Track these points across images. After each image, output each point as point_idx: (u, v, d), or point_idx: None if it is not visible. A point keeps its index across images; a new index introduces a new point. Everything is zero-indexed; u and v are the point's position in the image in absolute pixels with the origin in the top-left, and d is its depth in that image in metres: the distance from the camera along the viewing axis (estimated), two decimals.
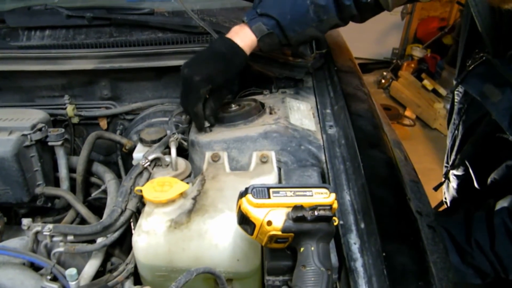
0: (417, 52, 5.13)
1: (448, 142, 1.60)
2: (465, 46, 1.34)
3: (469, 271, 1.25)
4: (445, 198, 1.79)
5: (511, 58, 1.13)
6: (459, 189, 1.63)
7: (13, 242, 1.15)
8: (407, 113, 4.65)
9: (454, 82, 1.38)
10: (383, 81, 5.21)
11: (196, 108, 1.17)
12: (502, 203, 1.24)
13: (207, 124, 1.21)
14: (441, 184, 1.72)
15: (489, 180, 1.39)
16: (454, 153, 1.57)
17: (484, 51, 1.22)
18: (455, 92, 1.47)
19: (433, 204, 1.77)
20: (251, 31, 1.21)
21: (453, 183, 1.64)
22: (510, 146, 1.22)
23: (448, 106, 4.30)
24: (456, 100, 1.49)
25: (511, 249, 1.19)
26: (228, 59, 1.19)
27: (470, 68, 1.25)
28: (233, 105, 1.29)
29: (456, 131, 1.52)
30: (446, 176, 1.66)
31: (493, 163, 1.36)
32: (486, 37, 1.16)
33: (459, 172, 1.57)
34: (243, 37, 1.21)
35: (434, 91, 4.63)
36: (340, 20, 1.27)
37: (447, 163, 1.64)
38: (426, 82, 4.70)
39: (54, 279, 1.02)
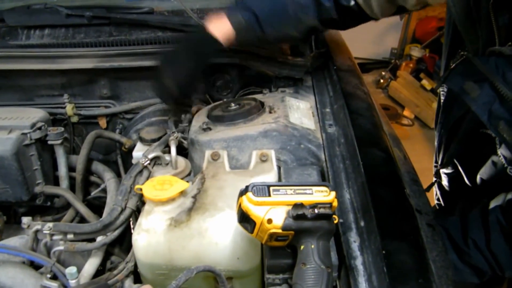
0: (416, 52, 5.13)
1: (436, 141, 1.61)
2: (449, 47, 1.36)
3: (466, 270, 1.26)
4: (437, 200, 1.79)
5: (489, 56, 1.14)
6: (450, 186, 1.64)
7: (13, 241, 1.15)
8: (406, 113, 4.66)
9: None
10: (381, 81, 5.21)
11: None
12: (495, 202, 1.25)
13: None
14: (432, 184, 1.73)
15: (478, 179, 1.40)
16: (442, 152, 1.58)
17: (465, 50, 1.23)
18: (441, 92, 1.49)
19: (432, 203, 1.77)
20: (229, 21, 1.23)
21: (444, 181, 1.65)
22: (493, 141, 1.23)
23: None
24: (442, 100, 1.51)
25: (506, 246, 1.19)
26: (199, 51, 1.25)
27: (452, 66, 1.26)
28: (233, 104, 1.29)
29: (442, 130, 1.53)
30: (437, 175, 1.67)
31: (480, 159, 1.37)
32: (465, 36, 1.18)
33: (448, 170, 1.58)
34: (220, 27, 1.23)
35: (433, 90, 4.63)
36: (319, 22, 1.27)
37: (436, 162, 1.64)
38: (424, 81, 4.70)
39: (54, 277, 1.02)
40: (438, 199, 1.78)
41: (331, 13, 1.24)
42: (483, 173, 1.38)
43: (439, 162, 1.61)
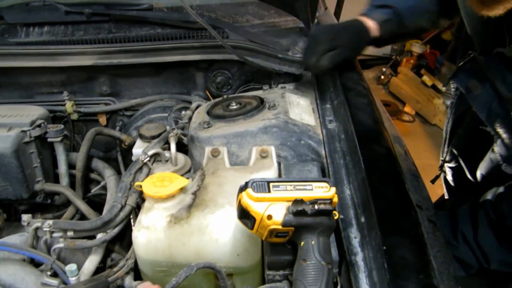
0: (417, 48, 5.11)
1: (443, 135, 1.65)
2: (463, 47, 1.42)
3: (453, 264, 1.28)
4: (446, 194, 1.82)
5: (495, 56, 1.19)
6: (454, 180, 1.67)
7: (13, 238, 1.14)
8: (407, 109, 4.65)
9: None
10: (382, 77, 5.20)
11: (312, 61, 1.26)
12: (486, 196, 1.29)
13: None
14: (437, 177, 1.77)
15: (478, 174, 1.41)
16: (446, 145, 1.62)
17: (474, 50, 1.30)
18: (452, 88, 1.54)
19: (434, 199, 1.78)
20: (370, 19, 1.33)
21: (449, 175, 1.68)
22: (491, 138, 1.28)
23: (447, 102, 4.33)
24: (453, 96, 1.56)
25: (493, 240, 1.23)
26: (355, 31, 1.32)
27: (460, 64, 1.34)
28: (233, 103, 1.28)
29: (448, 124, 1.59)
30: (441, 168, 1.70)
31: (479, 155, 1.42)
32: (474, 36, 1.24)
33: (452, 164, 1.62)
34: (366, 22, 1.33)
35: (434, 87, 4.62)
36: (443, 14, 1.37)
37: (442, 156, 1.67)
38: (425, 78, 4.69)
39: (54, 275, 1.02)
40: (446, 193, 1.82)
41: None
42: (482, 169, 1.42)
43: (444, 156, 1.65)
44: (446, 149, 1.63)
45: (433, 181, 1.77)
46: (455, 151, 1.58)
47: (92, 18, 1.58)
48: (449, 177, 1.68)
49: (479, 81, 1.25)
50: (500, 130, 1.19)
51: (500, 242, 1.23)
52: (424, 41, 5.22)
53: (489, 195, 1.29)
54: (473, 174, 1.49)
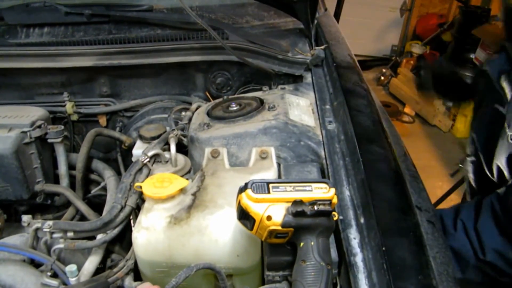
0: (416, 49, 5.12)
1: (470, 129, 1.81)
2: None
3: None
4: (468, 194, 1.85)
5: None
6: (475, 177, 1.71)
7: (13, 239, 1.15)
8: (407, 110, 4.65)
9: None
10: (382, 78, 5.21)
11: None
12: (496, 191, 1.34)
13: None
14: (457, 170, 1.86)
15: (494, 168, 1.44)
16: (470, 134, 1.74)
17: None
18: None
19: (433, 200, 1.80)
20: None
21: (470, 172, 1.72)
22: (504, 118, 1.36)
23: (447, 103, 4.32)
24: None
25: (493, 228, 1.27)
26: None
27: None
28: (233, 105, 1.28)
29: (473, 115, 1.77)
30: (463, 162, 1.80)
31: (494, 138, 1.46)
32: (506, 25, 1.43)
33: (472, 158, 1.68)
34: None
35: None
36: None
37: (467, 150, 1.78)
38: None
39: (54, 275, 1.02)
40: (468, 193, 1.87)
41: None
42: (497, 158, 1.44)
43: (467, 149, 1.77)
44: (470, 140, 1.73)
45: (452, 175, 1.88)
46: (473, 135, 1.65)
47: (92, 19, 1.58)
48: (470, 175, 1.72)
49: (496, 53, 1.45)
50: (504, 84, 1.33)
51: (500, 232, 1.25)
52: (424, 42, 5.23)
53: (499, 190, 1.33)
54: (489, 166, 1.52)
